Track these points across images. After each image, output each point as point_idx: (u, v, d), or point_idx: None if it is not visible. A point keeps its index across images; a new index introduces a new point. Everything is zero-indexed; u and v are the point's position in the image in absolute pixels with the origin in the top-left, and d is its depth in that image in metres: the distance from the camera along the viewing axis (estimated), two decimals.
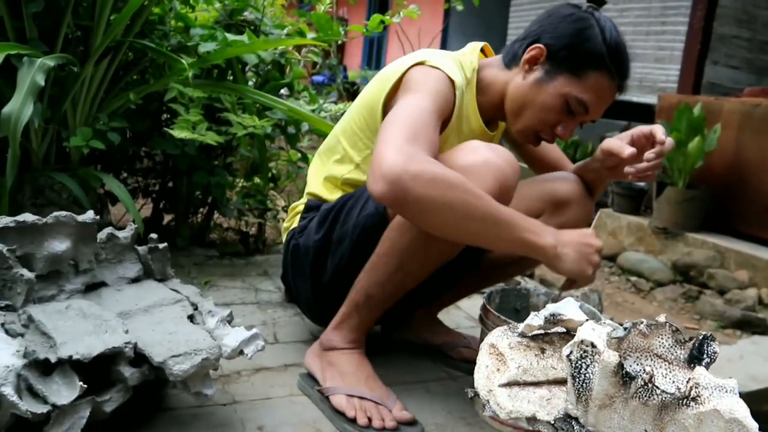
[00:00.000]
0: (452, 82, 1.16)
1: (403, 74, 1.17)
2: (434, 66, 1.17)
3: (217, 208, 2.28)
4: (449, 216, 0.98)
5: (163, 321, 1.08)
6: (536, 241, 1.03)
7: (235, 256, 2.14)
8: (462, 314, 1.76)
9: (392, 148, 0.96)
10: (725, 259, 2.91)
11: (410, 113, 1.06)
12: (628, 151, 1.19)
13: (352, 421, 1.12)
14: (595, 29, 1.19)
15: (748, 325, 2.39)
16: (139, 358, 1.01)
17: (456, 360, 1.42)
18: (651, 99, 3.92)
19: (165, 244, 1.24)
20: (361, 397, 1.16)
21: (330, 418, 1.16)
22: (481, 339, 1.25)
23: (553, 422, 0.76)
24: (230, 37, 1.82)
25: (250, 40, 1.84)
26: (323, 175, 1.35)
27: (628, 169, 1.23)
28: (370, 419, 1.12)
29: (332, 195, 1.32)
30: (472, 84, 1.27)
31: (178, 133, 1.66)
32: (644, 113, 3.97)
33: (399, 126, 1.01)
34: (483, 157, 1.09)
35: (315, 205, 1.34)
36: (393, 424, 1.11)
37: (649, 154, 1.21)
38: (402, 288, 1.19)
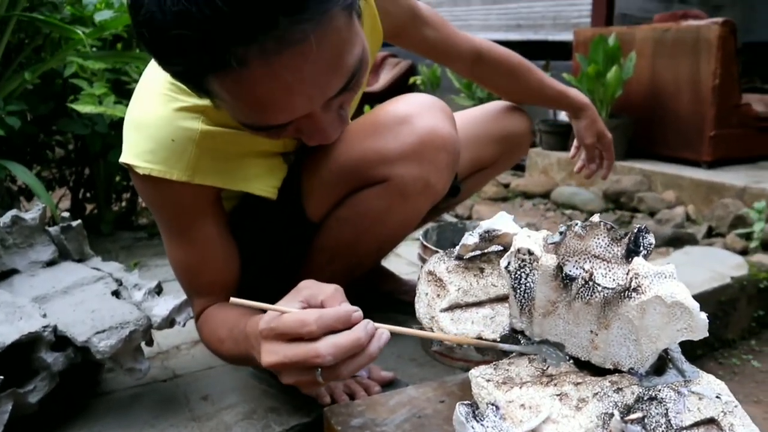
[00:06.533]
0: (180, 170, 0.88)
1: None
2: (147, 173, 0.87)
3: None
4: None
5: (85, 300, 1.01)
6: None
7: None
8: (402, 261, 1.74)
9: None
10: (652, 182, 2.99)
11: (175, 269, 1.00)
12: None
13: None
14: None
15: (679, 242, 2.46)
16: (63, 341, 0.94)
17: (404, 304, 1.39)
18: (567, 36, 3.95)
19: (79, 221, 1.16)
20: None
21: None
22: None
23: (499, 339, 0.75)
24: None
25: None
26: None
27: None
28: (351, 395, 1.00)
29: None
30: None
31: (83, 108, 1.55)
32: (561, 51, 4.01)
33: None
34: (427, 137, 0.93)
35: None
36: (377, 390, 1.01)
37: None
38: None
